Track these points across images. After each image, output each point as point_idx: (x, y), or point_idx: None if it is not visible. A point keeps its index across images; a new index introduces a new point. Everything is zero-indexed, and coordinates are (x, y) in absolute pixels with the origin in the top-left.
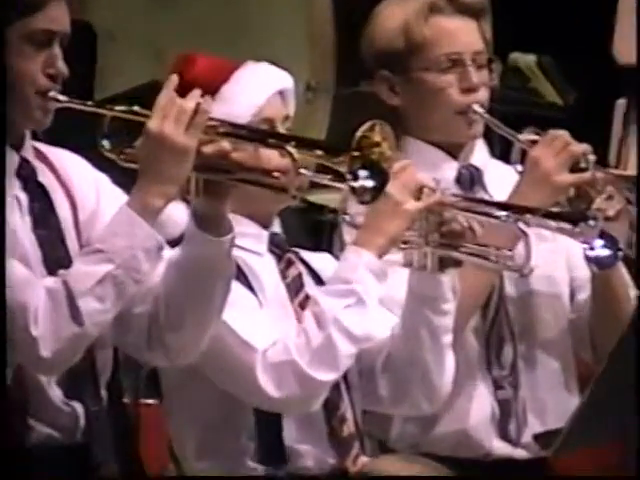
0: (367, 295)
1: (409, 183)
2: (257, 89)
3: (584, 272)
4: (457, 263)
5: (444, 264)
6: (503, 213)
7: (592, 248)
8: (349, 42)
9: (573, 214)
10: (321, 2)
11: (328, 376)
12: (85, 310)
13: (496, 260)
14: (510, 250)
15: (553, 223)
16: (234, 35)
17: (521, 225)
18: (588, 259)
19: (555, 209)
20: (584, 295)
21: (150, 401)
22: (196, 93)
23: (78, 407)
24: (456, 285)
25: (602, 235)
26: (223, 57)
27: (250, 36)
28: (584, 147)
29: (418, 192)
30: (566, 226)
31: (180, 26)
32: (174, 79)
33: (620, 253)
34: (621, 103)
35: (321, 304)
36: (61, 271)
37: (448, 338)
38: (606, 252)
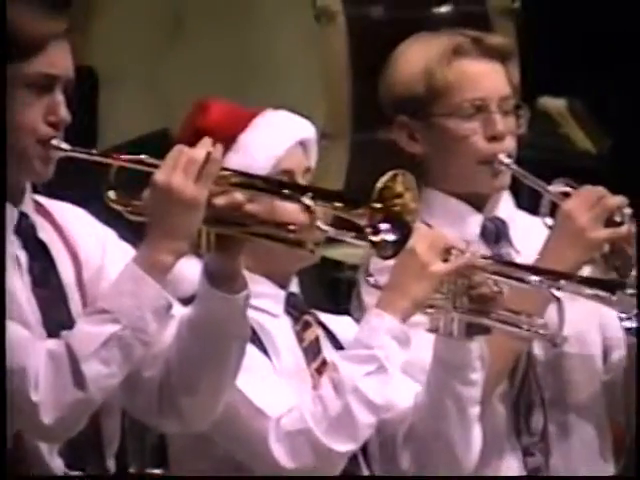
0: (389, 362)
1: (437, 243)
2: (276, 139)
3: (618, 331)
4: (486, 330)
5: (472, 331)
6: (536, 278)
7: (629, 318)
8: (366, 86)
9: (611, 281)
10: (336, 44)
11: (346, 447)
12: (89, 374)
13: (528, 328)
14: (541, 317)
15: (589, 290)
16: (244, 80)
17: (555, 292)
18: (626, 330)
19: (591, 275)
20: (618, 355)
21: (157, 471)
22: (207, 141)
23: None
24: (484, 353)
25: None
26: (234, 103)
27: (261, 80)
28: (619, 200)
29: (446, 253)
30: (603, 294)
31: (188, 70)
32: (208, 140)
33: None
34: None
35: (340, 370)
36: (64, 332)
37: (475, 410)
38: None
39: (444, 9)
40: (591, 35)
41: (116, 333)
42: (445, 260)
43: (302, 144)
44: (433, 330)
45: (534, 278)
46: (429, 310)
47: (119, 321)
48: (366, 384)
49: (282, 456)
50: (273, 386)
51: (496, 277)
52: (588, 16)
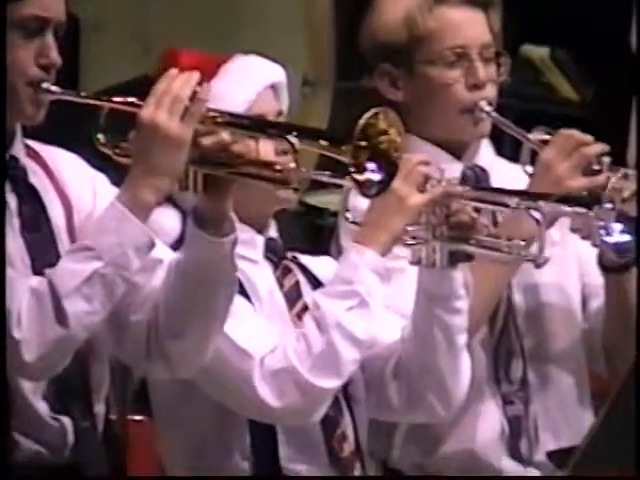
0: (370, 296)
1: (412, 175)
2: (247, 83)
3: (597, 279)
4: (468, 257)
5: (455, 259)
6: (514, 200)
7: (609, 234)
8: (349, 34)
9: (587, 197)
10: None
11: (331, 383)
12: (71, 311)
13: (509, 251)
14: (524, 240)
15: (567, 208)
16: (227, 28)
17: (534, 213)
18: (607, 245)
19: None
20: (597, 303)
21: (138, 417)
22: (191, 78)
23: (67, 422)
24: (468, 281)
25: (619, 219)
26: (215, 51)
27: (243, 29)
28: (598, 148)
29: (422, 184)
30: (581, 210)
31: (170, 19)
32: (174, 72)
33: None
34: None
35: (321, 307)
36: (47, 270)
37: (462, 338)
38: (626, 237)
39: None
40: None
41: (98, 270)
42: (422, 191)
43: (273, 87)
44: (415, 262)
45: (512, 200)
46: (410, 242)
47: (101, 258)
48: (348, 319)
49: (267, 395)
50: (256, 327)
51: (474, 203)
52: None
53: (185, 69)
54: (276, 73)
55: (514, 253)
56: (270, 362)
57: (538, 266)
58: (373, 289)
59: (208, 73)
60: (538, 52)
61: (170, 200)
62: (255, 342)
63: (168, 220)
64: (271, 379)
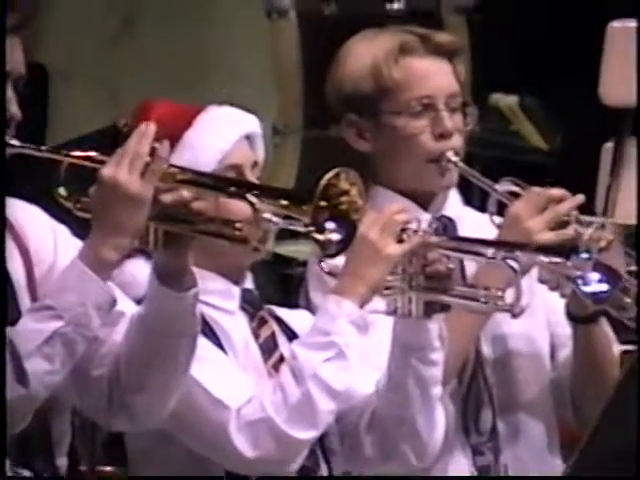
0: (348, 347)
1: (389, 225)
2: (222, 134)
3: (565, 328)
4: (444, 307)
5: (431, 309)
6: (490, 251)
7: (587, 283)
8: (317, 83)
9: (564, 247)
10: (287, 41)
11: (307, 434)
12: (32, 371)
13: (485, 301)
14: (501, 290)
15: (544, 258)
16: (195, 77)
17: (510, 262)
18: (584, 295)
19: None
20: (565, 353)
21: (108, 468)
22: (144, 131)
23: (27, 475)
24: (443, 333)
25: (596, 268)
26: (183, 100)
27: (212, 78)
28: (569, 205)
29: (400, 234)
30: (557, 260)
31: (137, 67)
32: (150, 127)
33: (620, 284)
34: (608, 147)
35: (298, 357)
36: (8, 328)
37: (437, 390)
38: (603, 287)
39: (396, 6)
40: (542, 32)
41: (59, 329)
42: (399, 241)
43: (248, 138)
44: (391, 312)
45: (489, 251)
46: (386, 292)
47: (62, 317)
48: (325, 370)
49: (244, 446)
50: (231, 378)
51: (451, 253)
52: (539, 14)
53: (159, 120)
54: (251, 123)
55: (490, 303)
56: (246, 413)
57: (514, 316)
58: (351, 340)
59: (182, 124)
60: (507, 101)
61: (142, 251)
62: (231, 393)
63: (140, 271)
64: (247, 430)
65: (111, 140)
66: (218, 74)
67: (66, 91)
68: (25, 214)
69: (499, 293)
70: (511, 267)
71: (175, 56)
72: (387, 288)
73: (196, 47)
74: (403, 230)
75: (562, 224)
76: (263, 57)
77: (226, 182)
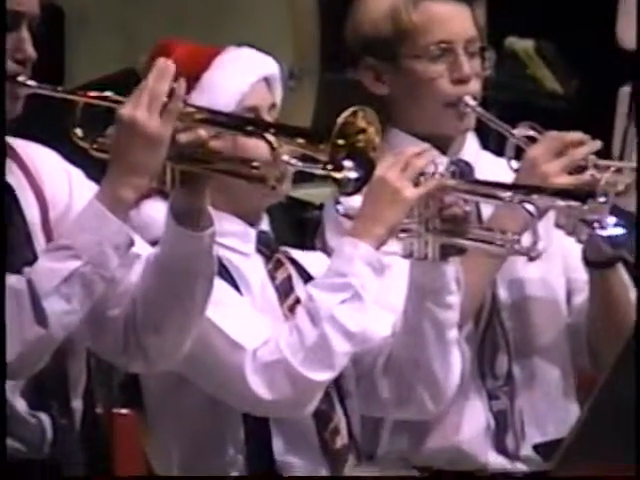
0: (364, 289)
1: (408, 167)
2: (240, 76)
3: (581, 273)
4: (460, 251)
5: (447, 252)
6: (507, 194)
7: (603, 227)
8: (335, 26)
9: (581, 191)
10: None
11: (323, 376)
12: (50, 310)
13: (502, 244)
14: (517, 233)
15: (561, 202)
16: (212, 19)
17: (527, 206)
18: (602, 239)
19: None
20: (581, 298)
21: (124, 411)
22: (163, 69)
23: (45, 419)
24: (459, 276)
25: (613, 212)
26: (200, 42)
27: (229, 20)
28: (588, 149)
29: (417, 176)
30: (575, 204)
31: (155, 10)
32: (168, 66)
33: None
34: (625, 90)
35: (315, 299)
36: (26, 269)
37: (453, 333)
38: (619, 230)
39: None
40: None
41: (77, 269)
42: (416, 184)
43: (266, 80)
44: (407, 255)
45: (506, 194)
46: (402, 235)
47: (80, 257)
48: (341, 312)
49: (259, 387)
50: (247, 319)
51: (468, 196)
52: None
53: (177, 61)
54: (269, 65)
55: (507, 246)
56: (262, 354)
57: (531, 259)
58: (367, 282)
59: (200, 65)
60: (523, 45)
61: (160, 192)
62: (247, 335)
63: (158, 212)
64: (263, 371)
65: (128, 82)
66: (236, 17)
67: (83, 34)
68: (40, 156)
69: (516, 236)
70: (528, 211)
71: (192, 1)
72: (403, 231)
73: None
74: (421, 173)
75: (579, 169)
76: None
77: (243, 121)
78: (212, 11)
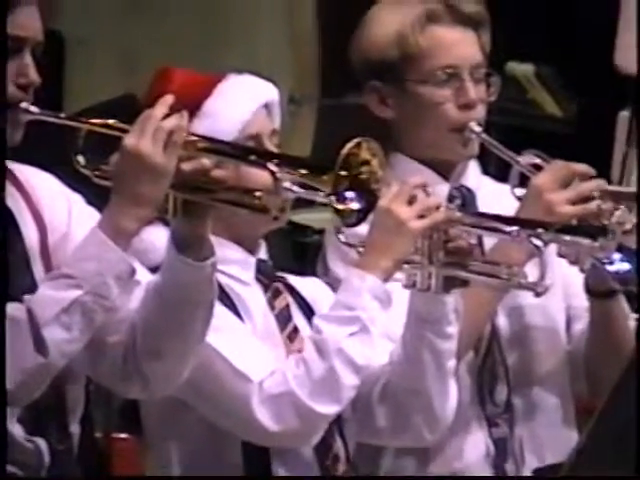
0: (372, 322)
1: (413, 200)
2: (242, 104)
3: (582, 301)
4: (463, 283)
5: (449, 284)
6: (514, 228)
7: (612, 263)
8: (334, 51)
9: (591, 228)
10: (304, 9)
11: (330, 409)
12: (50, 339)
13: (508, 278)
14: (521, 266)
15: (569, 238)
16: (212, 45)
17: (535, 241)
18: (609, 274)
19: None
20: (581, 325)
21: (123, 435)
22: (166, 101)
23: (42, 444)
24: (458, 306)
25: (619, 249)
26: (201, 68)
27: (229, 46)
28: (594, 184)
29: (422, 209)
30: (584, 241)
31: (155, 35)
32: (169, 99)
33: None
34: (624, 115)
35: (323, 332)
36: (26, 297)
37: (452, 363)
38: (626, 266)
39: None
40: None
41: (78, 298)
42: (422, 216)
43: (266, 106)
44: (410, 285)
45: (512, 228)
46: (405, 266)
47: (81, 286)
48: (350, 345)
49: (266, 419)
50: (252, 349)
51: (473, 230)
52: None
53: (178, 88)
54: (269, 92)
55: (513, 280)
56: (269, 386)
57: (538, 295)
58: (375, 315)
59: (202, 92)
60: (523, 69)
61: (161, 218)
62: (252, 365)
63: (158, 238)
64: (270, 403)
65: (127, 108)
66: (234, 42)
67: (82, 58)
68: (40, 181)
69: (522, 270)
70: (535, 245)
71: (191, 25)
72: (407, 262)
73: (213, 17)
74: (425, 206)
75: (585, 199)
76: (279, 24)
77: (247, 151)
78: (211, 36)
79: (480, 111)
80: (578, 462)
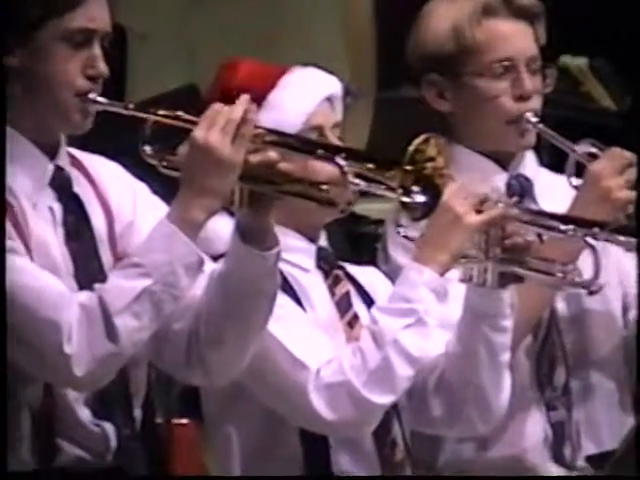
0: (428, 315)
1: (470, 195)
2: (306, 96)
3: (637, 288)
4: (518, 279)
5: (505, 280)
6: (570, 227)
7: None
8: (390, 44)
9: None
10: (360, 3)
11: (385, 399)
12: (121, 328)
13: (563, 276)
14: (573, 263)
15: (622, 238)
16: (269, 37)
17: (589, 240)
18: None
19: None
20: (637, 312)
21: (183, 421)
22: (244, 100)
23: (109, 428)
24: (514, 300)
25: None
26: (260, 60)
27: (286, 37)
28: None
29: (480, 204)
30: (635, 240)
31: (214, 27)
32: (246, 99)
33: None
34: None
35: (380, 323)
36: (96, 285)
37: (506, 356)
38: None
39: None
40: None
41: (148, 288)
42: (479, 211)
43: (329, 99)
44: (467, 280)
45: (568, 227)
46: (462, 260)
47: (151, 276)
48: (405, 337)
49: (322, 407)
50: (311, 338)
51: (530, 226)
52: None
53: (243, 80)
54: (333, 85)
55: (567, 278)
56: (325, 374)
57: (591, 293)
58: (431, 308)
59: (267, 84)
60: (576, 62)
61: (225, 208)
62: (310, 353)
63: (223, 227)
64: (326, 391)
65: (190, 98)
66: (291, 34)
67: (144, 51)
68: (107, 170)
69: (576, 268)
70: (590, 245)
71: (251, 18)
72: (463, 256)
73: (272, 11)
74: (484, 200)
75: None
76: (336, 20)
77: (314, 145)
78: (270, 28)
79: (536, 102)
80: (629, 449)
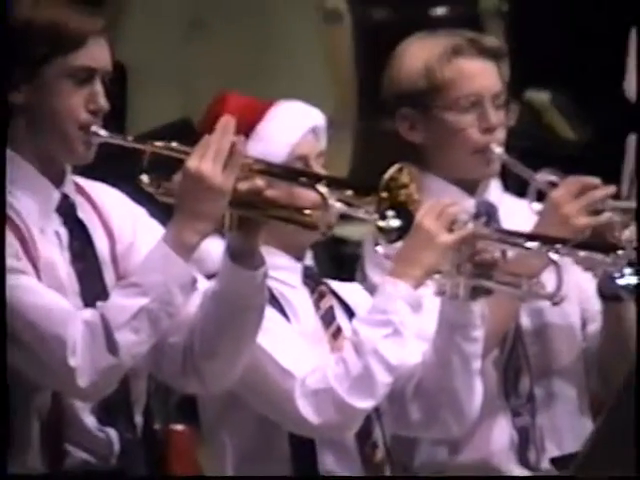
0: (403, 325)
1: (442, 215)
2: (291, 128)
3: (594, 304)
4: (488, 292)
5: (476, 293)
6: (535, 244)
7: (622, 276)
8: (370, 80)
9: (605, 244)
10: (343, 42)
11: (366, 404)
12: (121, 342)
13: (528, 288)
14: (536, 277)
15: (584, 253)
16: (260, 74)
17: (552, 255)
18: (620, 287)
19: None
20: (594, 327)
21: (180, 427)
22: (226, 125)
23: (112, 434)
24: (484, 312)
25: (630, 264)
26: (251, 93)
27: (275, 74)
28: (605, 191)
29: (451, 224)
30: (597, 256)
31: (207, 65)
32: (230, 122)
33: None
34: (633, 139)
35: (360, 334)
36: (99, 303)
37: (477, 364)
38: (635, 280)
39: (440, 11)
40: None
41: (146, 306)
42: (450, 230)
43: (314, 130)
44: (440, 293)
45: (533, 244)
46: (436, 275)
47: (148, 295)
48: (384, 346)
49: (308, 412)
50: (297, 348)
51: (497, 244)
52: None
53: (234, 112)
54: (317, 117)
55: (532, 290)
56: (311, 382)
57: (555, 304)
58: (406, 319)
59: (255, 116)
60: (540, 96)
61: (216, 230)
62: (296, 362)
63: (215, 248)
64: (311, 398)
65: (184, 130)
66: (278, 70)
67: (142, 87)
68: (109, 196)
69: (540, 282)
70: (553, 260)
71: (240, 56)
72: (437, 272)
73: (259, 48)
74: (454, 221)
75: (597, 212)
76: (321, 57)
77: (298, 173)
78: (258, 67)
79: (500, 134)
80: (591, 451)
